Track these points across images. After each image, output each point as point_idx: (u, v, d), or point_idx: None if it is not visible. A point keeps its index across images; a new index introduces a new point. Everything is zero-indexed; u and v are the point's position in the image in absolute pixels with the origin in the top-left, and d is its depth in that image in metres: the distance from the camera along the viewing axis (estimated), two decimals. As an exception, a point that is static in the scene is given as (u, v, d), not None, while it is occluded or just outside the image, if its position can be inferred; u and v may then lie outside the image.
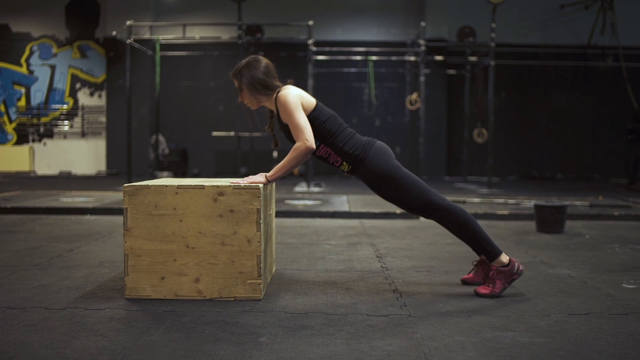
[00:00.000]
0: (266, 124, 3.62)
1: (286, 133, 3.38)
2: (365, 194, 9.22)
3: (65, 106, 15.42)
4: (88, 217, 6.82)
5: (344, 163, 3.36)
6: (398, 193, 3.33)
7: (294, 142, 3.34)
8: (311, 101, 3.34)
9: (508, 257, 3.32)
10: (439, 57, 12.64)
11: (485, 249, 3.31)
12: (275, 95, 3.34)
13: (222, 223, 3.12)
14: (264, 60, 3.39)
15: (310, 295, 3.25)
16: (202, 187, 3.12)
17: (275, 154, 13.76)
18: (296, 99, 3.26)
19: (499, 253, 3.31)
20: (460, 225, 3.31)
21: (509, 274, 3.27)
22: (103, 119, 15.35)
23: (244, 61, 3.39)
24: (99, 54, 15.33)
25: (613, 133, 14.97)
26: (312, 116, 3.31)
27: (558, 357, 2.32)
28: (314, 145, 3.22)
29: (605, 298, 3.24)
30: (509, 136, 14.94)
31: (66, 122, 15.45)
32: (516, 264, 3.29)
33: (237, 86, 3.40)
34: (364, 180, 3.39)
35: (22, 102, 15.46)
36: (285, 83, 3.41)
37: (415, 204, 3.33)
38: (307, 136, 3.20)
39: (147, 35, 12.53)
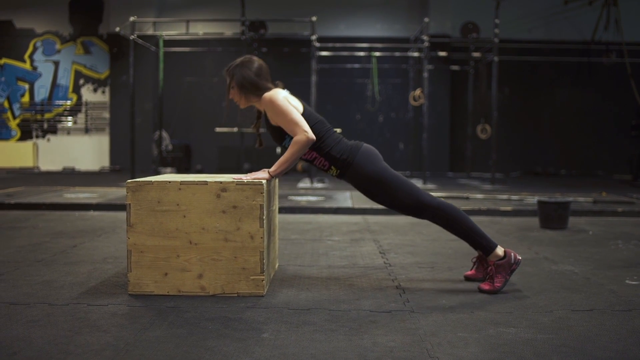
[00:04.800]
0: (253, 124, 3.65)
1: (273, 134, 3.40)
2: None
3: (68, 102, 15.43)
4: (91, 213, 6.84)
5: (332, 167, 3.37)
6: (387, 195, 3.34)
7: (280, 142, 3.38)
8: (298, 106, 3.34)
9: (503, 249, 3.33)
10: (442, 53, 12.62)
11: (480, 244, 3.32)
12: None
13: (225, 219, 3.12)
14: (257, 61, 3.42)
15: (313, 291, 3.25)
16: (205, 183, 3.12)
17: (278, 149, 13.75)
18: (283, 99, 3.28)
19: (494, 247, 3.32)
20: (453, 222, 3.32)
21: (508, 265, 3.28)
22: (106, 115, 15.37)
23: (238, 60, 3.43)
24: (102, 50, 15.33)
25: (617, 129, 14.93)
26: None
27: (561, 353, 2.32)
28: (313, 136, 3.23)
29: (608, 294, 3.24)
30: (513, 132, 14.91)
31: (70, 118, 15.46)
32: (512, 254, 3.31)
33: (228, 83, 3.42)
34: (353, 184, 3.41)
35: (26, 98, 15.48)
36: (275, 86, 3.42)
37: (405, 205, 3.34)
38: (305, 128, 3.22)
39: (150, 31, 12.54)
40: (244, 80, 3.35)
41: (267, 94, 3.30)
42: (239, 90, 3.39)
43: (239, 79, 3.36)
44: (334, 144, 3.36)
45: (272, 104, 3.26)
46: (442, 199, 3.40)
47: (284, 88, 3.44)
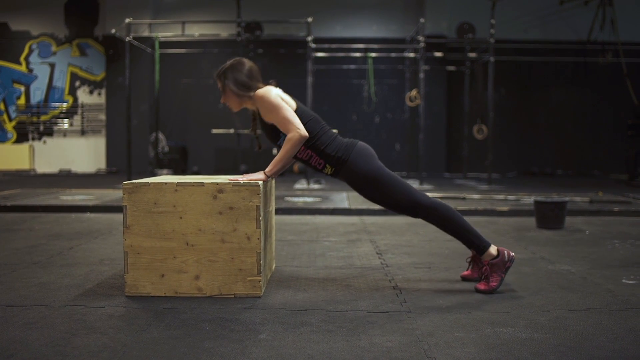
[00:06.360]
0: (250, 127, 3.63)
1: (267, 133, 3.38)
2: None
3: (64, 104, 15.41)
4: (88, 215, 6.82)
5: (327, 166, 3.35)
6: (382, 194, 3.34)
7: (275, 141, 3.36)
8: (291, 103, 3.33)
9: (496, 248, 3.33)
10: (438, 54, 12.64)
11: (474, 243, 3.33)
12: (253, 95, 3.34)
13: (222, 220, 3.11)
14: (248, 63, 3.40)
15: (310, 292, 3.25)
16: (202, 184, 3.11)
17: (275, 150, 13.74)
18: (275, 95, 3.27)
19: (487, 246, 3.32)
20: (446, 221, 3.33)
21: (502, 264, 3.28)
22: (103, 116, 15.34)
23: (228, 63, 3.40)
24: (98, 52, 15.31)
25: (613, 129, 14.96)
26: None
27: (558, 352, 2.32)
28: (306, 133, 3.23)
29: (605, 294, 3.24)
30: (509, 132, 14.93)
31: (66, 120, 15.44)
32: (505, 252, 3.31)
33: (221, 87, 3.41)
34: (348, 182, 3.40)
35: (22, 101, 15.46)
36: (267, 84, 3.40)
37: (399, 204, 3.34)
38: (298, 125, 3.22)
39: (146, 33, 12.51)
40: (236, 82, 3.33)
41: (259, 91, 3.29)
42: (231, 94, 3.37)
43: (231, 82, 3.33)
44: (329, 141, 3.34)
45: (264, 100, 3.25)
46: (437, 199, 3.40)
47: (277, 86, 3.42)
